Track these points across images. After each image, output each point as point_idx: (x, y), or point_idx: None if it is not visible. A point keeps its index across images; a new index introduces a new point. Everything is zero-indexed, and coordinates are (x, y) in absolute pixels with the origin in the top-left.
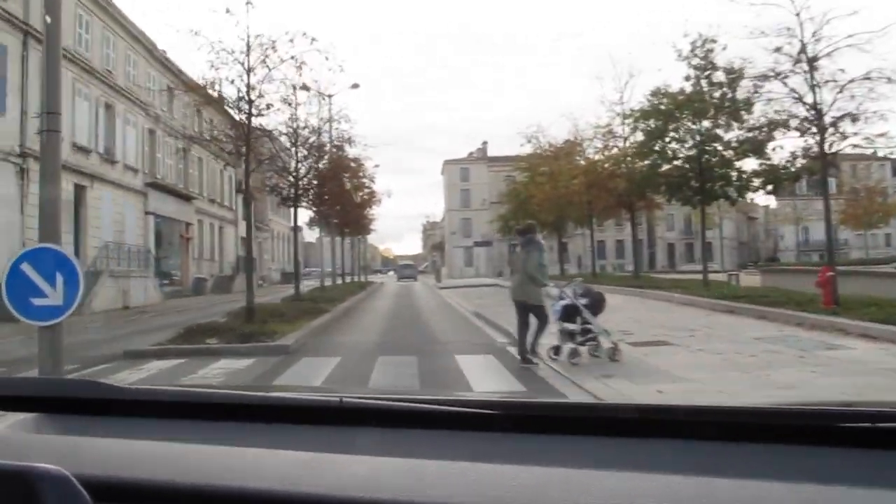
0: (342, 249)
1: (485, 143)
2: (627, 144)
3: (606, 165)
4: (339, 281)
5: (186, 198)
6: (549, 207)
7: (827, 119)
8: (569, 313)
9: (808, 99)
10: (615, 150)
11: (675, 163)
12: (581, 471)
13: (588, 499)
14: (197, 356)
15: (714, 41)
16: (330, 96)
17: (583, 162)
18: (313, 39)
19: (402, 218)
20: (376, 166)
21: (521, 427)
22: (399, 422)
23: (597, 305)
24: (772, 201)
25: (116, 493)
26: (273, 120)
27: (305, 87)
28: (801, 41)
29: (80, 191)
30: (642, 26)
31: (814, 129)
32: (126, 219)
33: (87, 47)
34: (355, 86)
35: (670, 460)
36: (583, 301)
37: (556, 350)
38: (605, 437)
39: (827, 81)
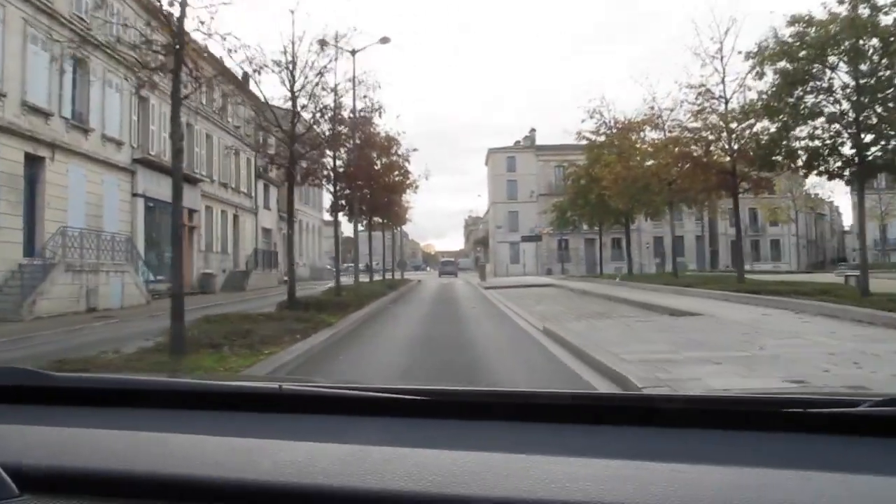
0: (370, 242)
1: (532, 130)
2: (733, 106)
3: (704, 134)
4: (369, 279)
5: (190, 180)
6: (621, 192)
7: None
8: None
9: None
10: (713, 116)
11: (815, 122)
12: (521, 456)
13: (526, 483)
14: None
15: None
16: (353, 52)
17: (661, 136)
18: None
19: (444, 214)
20: (414, 150)
21: (463, 414)
22: (339, 409)
23: None
24: (838, 196)
25: (45, 481)
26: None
27: (323, 43)
28: None
29: (34, 163)
30: None
31: None
32: (105, 201)
33: None
34: (385, 40)
35: (604, 446)
36: None
37: None
38: (543, 424)
39: None
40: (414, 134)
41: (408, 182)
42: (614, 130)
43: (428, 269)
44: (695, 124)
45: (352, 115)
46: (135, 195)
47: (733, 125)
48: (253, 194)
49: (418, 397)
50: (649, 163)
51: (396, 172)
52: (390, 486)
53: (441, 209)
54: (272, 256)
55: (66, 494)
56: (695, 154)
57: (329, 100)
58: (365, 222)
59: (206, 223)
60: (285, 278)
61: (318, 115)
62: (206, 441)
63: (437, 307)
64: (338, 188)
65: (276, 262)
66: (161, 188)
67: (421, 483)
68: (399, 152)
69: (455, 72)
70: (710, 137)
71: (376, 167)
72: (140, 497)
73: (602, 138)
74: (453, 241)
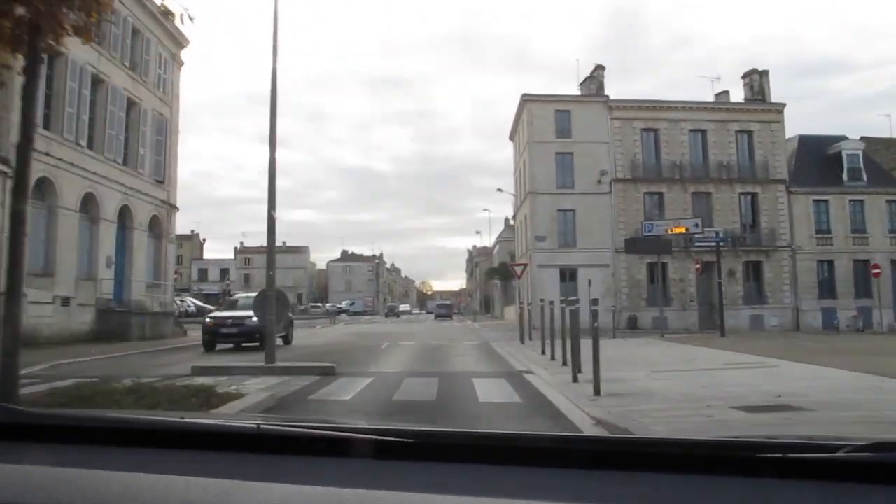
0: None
1: (599, 67)
2: None
3: None
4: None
5: None
6: None
7: None
8: None
9: None
10: None
11: None
12: (498, 500)
13: None
14: None
15: None
16: None
17: None
18: None
19: (443, 254)
20: None
21: (442, 456)
22: (317, 450)
23: None
24: None
25: None
26: None
27: None
28: None
29: None
30: None
31: None
32: None
33: None
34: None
35: (584, 490)
36: None
37: None
38: (524, 468)
39: None
40: (411, 172)
41: None
42: None
43: (415, 312)
44: None
45: None
46: None
47: None
48: None
49: (396, 438)
50: None
51: None
52: None
53: (440, 249)
54: None
55: None
56: None
57: None
58: None
59: None
60: None
61: None
62: (180, 482)
63: None
64: None
65: None
66: None
67: None
68: None
69: (452, 108)
70: None
71: None
72: None
73: None
74: (453, 282)
